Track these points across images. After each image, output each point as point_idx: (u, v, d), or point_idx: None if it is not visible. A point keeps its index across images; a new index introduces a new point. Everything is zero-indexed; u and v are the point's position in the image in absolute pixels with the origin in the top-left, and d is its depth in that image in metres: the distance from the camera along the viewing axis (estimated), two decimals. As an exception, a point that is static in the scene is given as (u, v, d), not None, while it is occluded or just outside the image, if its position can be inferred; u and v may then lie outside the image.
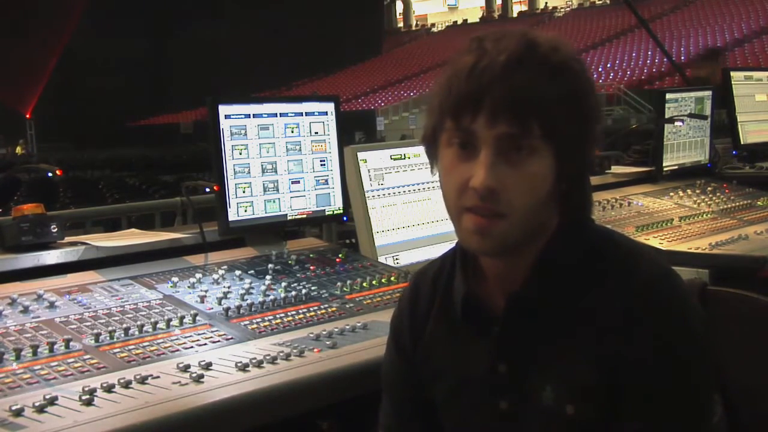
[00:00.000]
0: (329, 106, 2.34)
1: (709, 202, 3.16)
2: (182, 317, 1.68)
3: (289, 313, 1.79)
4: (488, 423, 1.19)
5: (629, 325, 1.09)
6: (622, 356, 1.08)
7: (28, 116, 30.96)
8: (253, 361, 1.47)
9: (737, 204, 3.19)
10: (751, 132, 3.97)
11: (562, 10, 42.51)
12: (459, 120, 1.09)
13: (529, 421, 1.15)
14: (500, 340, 1.17)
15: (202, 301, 1.80)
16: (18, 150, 26.03)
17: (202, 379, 1.39)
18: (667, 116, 3.37)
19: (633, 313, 1.09)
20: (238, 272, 2.01)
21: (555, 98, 1.08)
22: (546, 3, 44.30)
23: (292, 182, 2.27)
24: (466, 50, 1.12)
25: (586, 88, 1.13)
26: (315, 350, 1.55)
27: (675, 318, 1.09)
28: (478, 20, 43.92)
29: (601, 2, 40.65)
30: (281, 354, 1.51)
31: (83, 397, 1.30)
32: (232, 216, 2.16)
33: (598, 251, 1.16)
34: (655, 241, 2.63)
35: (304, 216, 2.30)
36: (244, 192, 2.17)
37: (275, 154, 2.23)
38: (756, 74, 4.18)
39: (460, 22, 45.10)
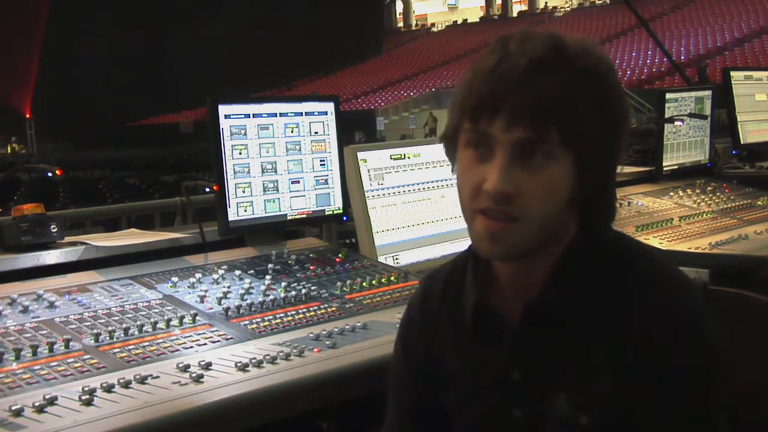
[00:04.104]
0: (329, 106, 2.34)
1: (709, 202, 3.16)
2: (182, 317, 1.68)
3: (288, 313, 1.79)
4: (501, 431, 1.18)
5: (648, 335, 1.07)
6: (639, 367, 1.07)
7: (28, 116, 30.96)
8: (253, 361, 1.47)
9: (737, 204, 3.19)
10: (751, 132, 3.97)
11: (562, 9, 42.49)
12: (477, 122, 1.08)
13: (542, 430, 1.13)
14: (515, 348, 1.15)
15: (202, 301, 1.80)
16: (10, 148, 25.75)
17: (201, 379, 1.39)
18: (667, 116, 3.37)
19: (652, 323, 1.07)
20: (237, 272, 2.01)
21: (577, 104, 1.06)
22: (546, 3, 44.27)
23: (292, 182, 2.27)
24: (490, 50, 1.10)
25: (613, 95, 1.11)
26: (315, 350, 1.55)
27: (694, 329, 1.08)
28: (478, 20, 43.91)
29: (601, 2, 40.63)
30: (281, 354, 1.51)
31: (83, 397, 1.29)
32: (232, 216, 2.15)
33: (615, 259, 1.14)
34: (655, 241, 2.63)
35: (304, 216, 2.30)
36: (244, 192, 2.17)
37: (275, 153, 2.23)
38: (756, 74, 4.18)
39: (460, 22, 45.09)
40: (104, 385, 1.34)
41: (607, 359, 1.09)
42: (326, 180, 2.33)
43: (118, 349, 1.53)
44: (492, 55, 1.09)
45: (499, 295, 1.19)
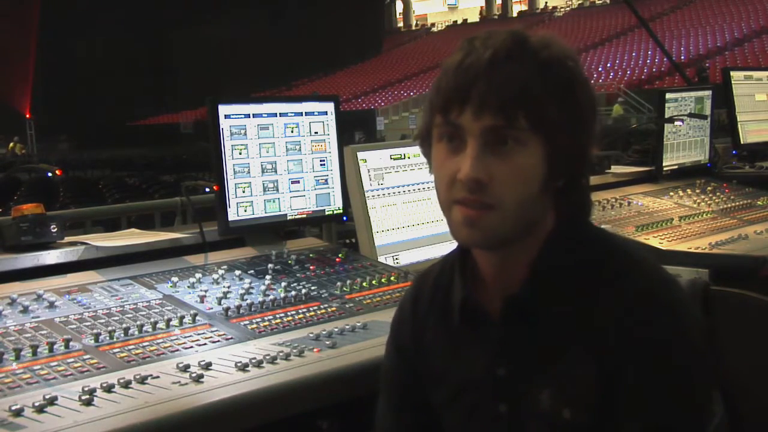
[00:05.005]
0: (329, 106, 2.34)
1: (709, 202, 3.16)
2: (182, 317, 1.68)
3: (288, 313, 1.79)
4: (488, 426, 1.19)
5: (626, 331, 1.08)
6: (618, 362, 1.08)
7: (28, 116, 30.97)
8: (253, 361, 1.47)
9: (737, 204, 3.19)
10: (751, 132, 3.97)
11: (562, 9, 42.50)
12: (447, 114, 1.11)
13: (527, 424, 1.15)
14: (499, 344, 1.17)
15: (202, 301, 1.80)
16: (11, 147, 25.79)
17: (201, 379, 1.39)
18: (667, 116, 3.37)
19: (631, 319, 1.08)
20: (237, 272, 2.01)
21: (542, 90, 1.09)
22: (546, 3, 44.28)
23: (292, 182, 2.27)
24: (457, 49, 1.14)
25: (578, 84, 1.13)
26: (315, 350, 1.55)
27: (672, 325, 1.09)
28: (477, 20, 43.90)
29: (601, 2, 40.63)
30: (281, 354, 1.51)
31: (83, 397, 1.29)
32: (232, 216, 2.15)
33: (596, 255, 1.16)
34: (655, 241, 2.63)
35: (304, 216, 2.30)
36: (243, 192, 2.17)
37: (275, 154, 2.23)
38: (756, 74, 4.18)
39: (460, 21, 45.09)
40: (104, 385, 1.34)
41: (587, 354, 1.10)
42: (326, 180, 2.33)
43: (118, 349, 1.53)
44: (458, 53, 1.13)
45: (486, 292, 1.21)
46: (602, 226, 1.38)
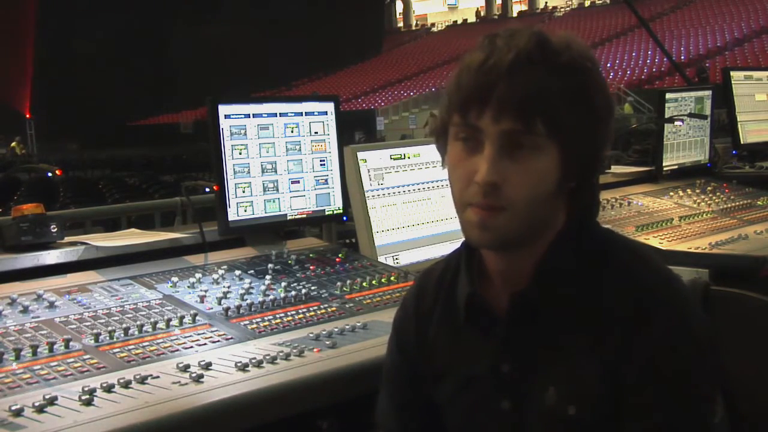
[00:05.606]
0: (329, 106, 2.34)
1: (709, 202, 3.16)
2: (182, 317, 1.68)
3: (288, 313, 1.79)
4: (491, 423, 1.20)
5: (631, 328, 1.09)
6: (623, 359, 1.09)
7: (28, 116, 30.97)
8: (253, 361, 1.47)
9: (737, 204, 3.19)
10: (751, 132, 3.97)
11: (562, 9, 42.48)
12: (466, 115, 1.11)
13: (531, 421, 1.15)
14: (504, 340, 1.18)
15: (202, 301, 1.80)
16: (11, 147, 25.80)
17: (201, 379, 1.39)
18: (667, 116, 3.37)
19: (634, 316, 1.09)
20: (237, 272, 2.01)
21: (561, 97, 1.08)
22: (546, 3, 44.26)
23: (292, 182, 2.27)
24: (478, 46, 1.13)
25: (596, 87, 1.13)
26: (315, 350, 1.55)
27: (676, 323, 1.09)
28: (478, 20, 43.88)
29: (601, 2, 40.63)
30: (281, 354, 1.51)
31: (83, 397, 1.29)
32: (232, 216, 2.15)
33: (602, 254, 1.16)
34: (655, 240, 2.63)
35: (304, 216, 2.30)
36: (243, 192, 2.17)
37: (275, 154, 2.23)
38: (756, 74, 4.18)
39: (459, 21, 45.09)
40: (104, 385, 1.34)
41: (592, 351, 1.11)
42: (326, 180, 2.33)
43: (118, 349, 1.53)
44: (480, 51, 1.12)
45: (491, 289, 1.21)
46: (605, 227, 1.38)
